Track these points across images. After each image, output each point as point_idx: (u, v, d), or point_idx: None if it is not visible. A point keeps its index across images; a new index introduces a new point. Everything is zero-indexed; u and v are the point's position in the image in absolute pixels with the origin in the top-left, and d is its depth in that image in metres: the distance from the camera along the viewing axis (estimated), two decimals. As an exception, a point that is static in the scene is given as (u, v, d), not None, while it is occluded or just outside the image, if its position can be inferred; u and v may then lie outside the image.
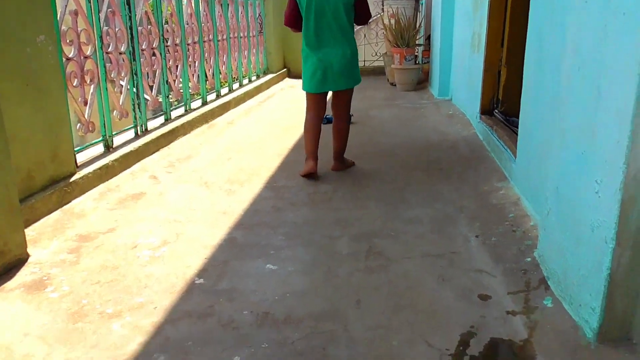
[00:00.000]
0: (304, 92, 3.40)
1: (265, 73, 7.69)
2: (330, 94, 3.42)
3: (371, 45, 8.35)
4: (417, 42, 7.00)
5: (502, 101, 4.01)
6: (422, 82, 7.18)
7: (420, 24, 7.23)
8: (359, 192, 3.04)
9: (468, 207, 2.77)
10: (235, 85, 6.35)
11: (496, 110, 4.06)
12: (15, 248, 2.19)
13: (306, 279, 2.07)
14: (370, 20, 3.40)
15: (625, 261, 1.55)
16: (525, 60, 2.78)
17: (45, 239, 2.44)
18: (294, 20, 3.26)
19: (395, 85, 7.15)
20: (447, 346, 1.64)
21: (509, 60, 3.91)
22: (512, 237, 2.34)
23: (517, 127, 3.59)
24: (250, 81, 6.91)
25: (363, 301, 1.90)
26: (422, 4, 7.85)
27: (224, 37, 5.90)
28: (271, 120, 5.12)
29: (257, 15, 7.37)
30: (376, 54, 8.70)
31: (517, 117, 3.82)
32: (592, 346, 1.60)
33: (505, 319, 1.78)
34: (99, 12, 3.42)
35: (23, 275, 2.11)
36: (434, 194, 2.99)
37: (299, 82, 7.94)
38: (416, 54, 7.05)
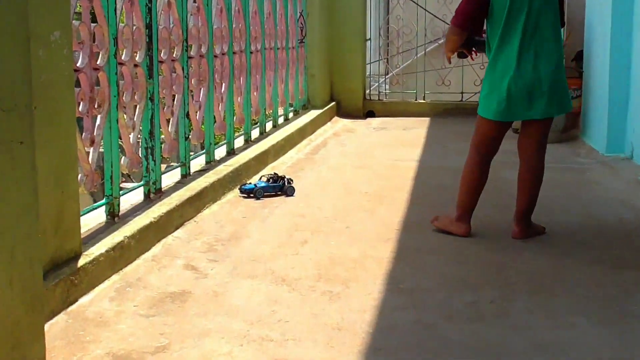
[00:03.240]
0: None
1: (305, 107, 7.96)
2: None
3: (473, 67, 8.59)
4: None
5: None
6: (568, 129, 7.35)
7: (565, 36, 7.50)
8: (547, 301, 3.07)
9: None
10: (269, 126, 6.55)
11: None
12: (35, 368, 2.22)
13: None
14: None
15: None
16: None
17: (60, 356, 2.47)
18: (475, 16, 3.78)
19: (523, 133, 7.32)
20: None
21: None
22: None
23: None
24: (287, 119, 7.13)
25: None
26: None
27: (258, 47, 6.17)
28: (342, 183, 5.25)
29: (298, 15, 7.72)
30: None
31: None
32: None
33: None
34: (115, 0, 3.62)
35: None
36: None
37: (357, 124, 8.20)
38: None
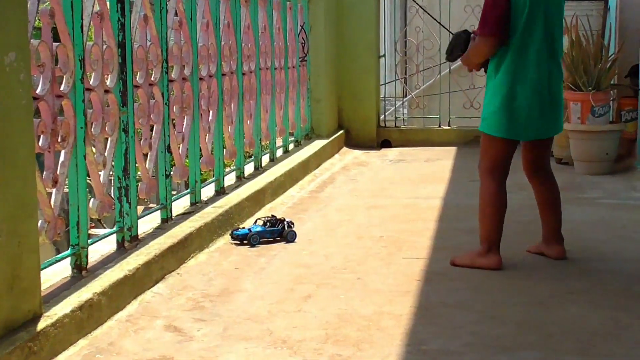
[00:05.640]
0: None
1: (308, 137, 7.99)
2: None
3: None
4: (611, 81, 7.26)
5: None
6: (622, 158, 7.34)
7: (617, 48, 7.52)
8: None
9: None
10: (265, 159, 6.57)
11: None
12: None
13: None
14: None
15: None
16: None
17: None
18: (505, 27, 3.91)
19: (568, 163, 7.31)
20: None
21: None
22: None
23: None
24: (286, 151, 7.15)
25: None
26: (609, 9, 8.21)
27: (252, 67, 6.20)
28: (353, 226, 5.27)
29: (299, 28, 7.77)
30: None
31: None
32: None
33: None
34: (81, 15, 3.65)
35: None
36: None
37: (370, 156, 8.25)
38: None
